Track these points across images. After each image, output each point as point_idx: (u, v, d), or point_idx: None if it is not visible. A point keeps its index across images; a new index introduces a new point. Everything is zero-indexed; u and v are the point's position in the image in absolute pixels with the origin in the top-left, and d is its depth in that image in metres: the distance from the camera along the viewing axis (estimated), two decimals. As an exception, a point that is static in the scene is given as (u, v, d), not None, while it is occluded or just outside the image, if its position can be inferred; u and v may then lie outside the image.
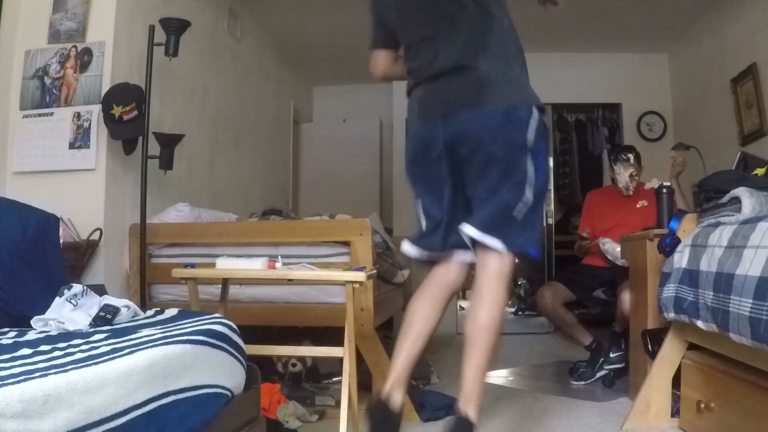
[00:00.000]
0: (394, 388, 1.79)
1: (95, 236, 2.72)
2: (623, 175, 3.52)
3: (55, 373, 1.07)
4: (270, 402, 2.41)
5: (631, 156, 3.53)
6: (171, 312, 1.91)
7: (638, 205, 3.49)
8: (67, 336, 1.51)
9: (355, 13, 5.04)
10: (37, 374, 1.05)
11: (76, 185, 2.80)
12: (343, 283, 2.16)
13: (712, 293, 1.93)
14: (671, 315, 2.28)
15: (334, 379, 2.95)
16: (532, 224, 1.81)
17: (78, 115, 2.83)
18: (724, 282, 1.85)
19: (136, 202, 2.89)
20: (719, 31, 4.56)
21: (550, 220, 6.01)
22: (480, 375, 1.74)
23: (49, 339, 1.47)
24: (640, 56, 5.60)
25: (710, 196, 2.31)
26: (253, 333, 2.23)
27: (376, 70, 2.20)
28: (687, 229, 2.42)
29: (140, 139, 2.84)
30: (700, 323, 2.03)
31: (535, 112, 1.83)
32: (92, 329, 1.62)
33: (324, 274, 2.14)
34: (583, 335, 3.40)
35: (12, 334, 1.56)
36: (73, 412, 1.04)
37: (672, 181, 3.14)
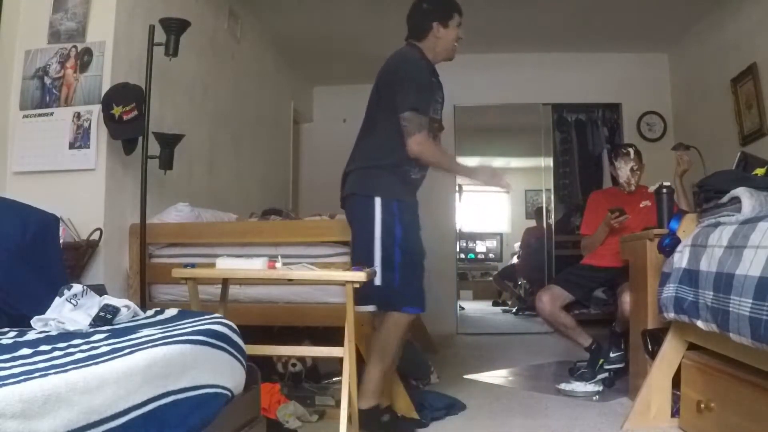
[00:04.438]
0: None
1: (95, 236, 2.72)
2: (624, 169, 3.49)
3: (55, 373, 1.07)
4: (270, 402, 2.41)
5: (631, 150, 3.52)
6: (171, 312, 1.90)
7: (641, 205, 3.47)
8: (67, 336, 1.51)
9: (356, 14, 5.06)
10: (37, 374, 1.05)
11: (76, 185, 2.80)
12: (343, 283, 2.16)
13: (712, 293, 1.93)
14: (671, 315, 2.28)
15: (334, 379, 2.94)
16: None
17: (78, 115, 2.83)
18: (724, 282, 1.84)
19: (136, 202, 2.89)
20: (719, 31, 4.56)
21: (551, 220, 6.02)
22: None
23: (49, 339, 1.46)
24: (640, 56, 5.60)
25: (710, 196, 2.31)
26: (253, 333, 2.23)
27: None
28: (687, 229, 2.42)
29: (140, 139, 2.84)
30: (700, 323, 2.03)
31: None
32: (92, 329, 1.61)
33: (324, 274, 2.13)
34: (583, 337, 3.39)
35: (12, 334, 1.56)
36: (73, 412, 1.04)
37: (676, 179, 3.13)
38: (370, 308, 2.39)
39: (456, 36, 2.60)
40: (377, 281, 2.31)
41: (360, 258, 2.36)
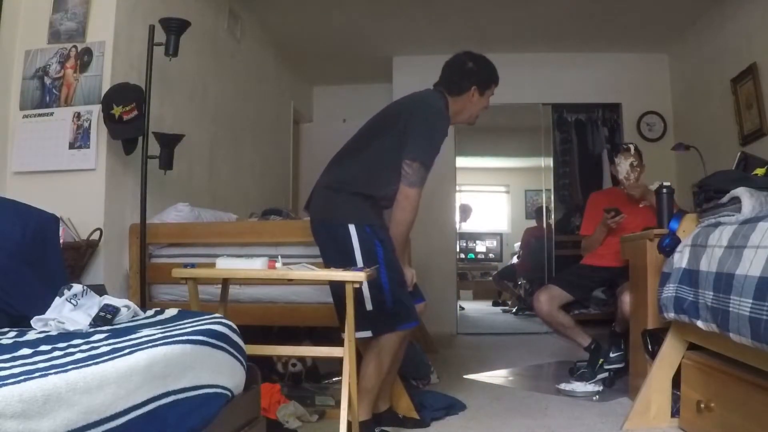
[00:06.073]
0: None
1: (95, 236, 2.72)
2: (623, 164, 3.46)
3: (55, 373, 1.07)
4: (270, 402, 2.41)
5: (631, 146, 3.50)
6: (171, 312, 1.91)
7: (641, 205, 3.47)
8: (67, 336, 1.51)
9: (355, 14, 5.06)
10: (37, 374, 1.05)
11: (76, 185, 2.81)
12: (343, 284, 2.15)
13: (712, 293, 1.93)
14: (671, 315, 2.28)
15: (334, 379, 2.94)
16: None
17: (78, 115, 2.84)
18: (724, 282, 1.85)
19: (136, 202, 2.89)
20: (719, 31, 4.56)
21: (551, 220, 6.02)
22: None
23: (49, 339, 1.46)
24: (640, 56, 5.60)
25: (710, 196, 2.31)
26: (253, 333, 2.23)
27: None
28: (687, 229, 2.42)
29: (140, 139, 2.84)
30: (700, 323, 2.03)
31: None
32: (92, 329, 1.61)
33: (324, 274, 2.13)
34: (582, 337, 3.39)
35: (12, 334, 1.56)
36: (73, 412, 1.04)
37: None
38: (366, 334, 2.28)
39: (484, 106, 2.53)
40: (368, 306, 2.25)
41: (340, 289, 2.14)
